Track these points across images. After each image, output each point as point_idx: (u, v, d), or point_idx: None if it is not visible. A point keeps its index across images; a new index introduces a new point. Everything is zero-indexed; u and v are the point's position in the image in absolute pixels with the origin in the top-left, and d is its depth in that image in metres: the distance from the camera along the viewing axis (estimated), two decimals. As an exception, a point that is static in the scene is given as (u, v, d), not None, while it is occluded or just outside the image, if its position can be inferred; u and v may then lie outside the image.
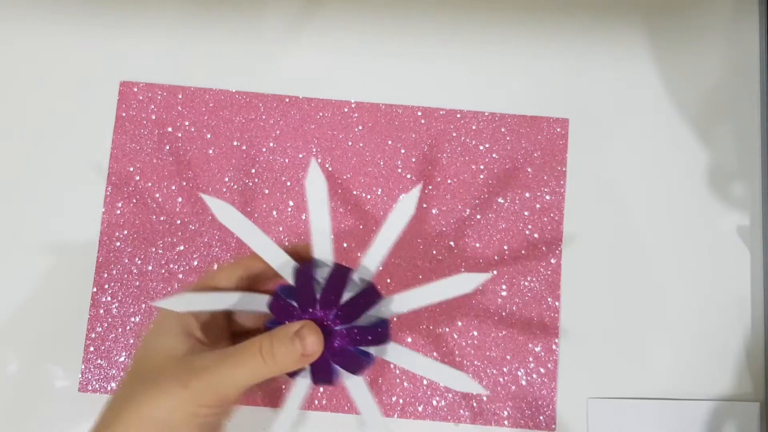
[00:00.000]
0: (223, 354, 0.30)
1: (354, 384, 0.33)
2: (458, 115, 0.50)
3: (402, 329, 0.47)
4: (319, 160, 0.49)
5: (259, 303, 0.34)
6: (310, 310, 0.31)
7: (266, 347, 0.30)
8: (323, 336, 0.30)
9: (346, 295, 0.32)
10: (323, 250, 0.33)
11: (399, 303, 0.32)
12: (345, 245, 0.48)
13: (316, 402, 0.47)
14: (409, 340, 0.47)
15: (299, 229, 0.48)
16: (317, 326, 0.30)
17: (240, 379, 0.30)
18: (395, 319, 0.33)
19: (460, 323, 0.47)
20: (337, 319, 0.31)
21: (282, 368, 0.30)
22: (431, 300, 0.32)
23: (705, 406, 0.47)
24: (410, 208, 0.32)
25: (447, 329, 0.47)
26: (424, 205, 0.48)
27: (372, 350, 0.32)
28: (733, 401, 0.47)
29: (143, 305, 0.47)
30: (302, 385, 0.33)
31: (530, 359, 0.47)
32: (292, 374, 0.32)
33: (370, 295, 0.32)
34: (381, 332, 0.32)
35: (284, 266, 0.33)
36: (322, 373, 0.32)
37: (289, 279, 0.33)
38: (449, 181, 0.49)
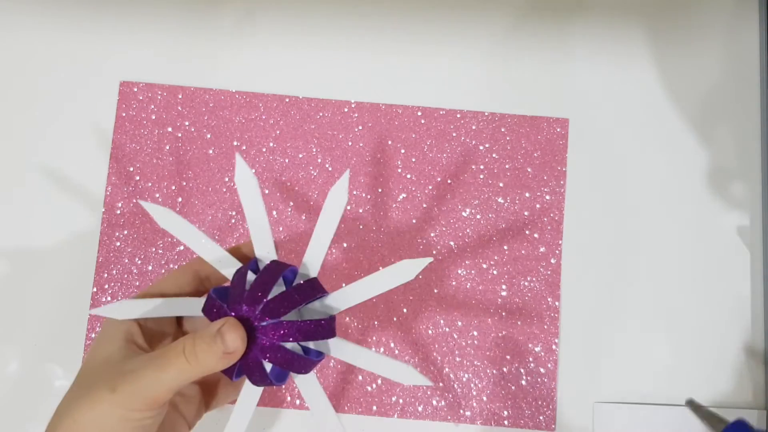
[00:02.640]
0: (150, 357, 0.30)
1: (303, 381, 0.32)
2: (458, 115, 0.50)
3: (402, 330, 0.47)
4: (320, 161, 0.49)
5: (197, 307, 0.33)
6: (238, 307, 0.30)
7: (189, 348, 0.29)
8: (249, 333, 0.29)
9: (278, 291, 0.31)
10: (264, 248, 0.32)
11: (340, 299, 0.31)
12: (345, 245, 0.48)
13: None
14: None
15: (299, 229, 0.48)
16: (239, 323, 0.29)
17: (166, 382, 0.29)
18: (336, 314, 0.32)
19: (460, 323, 0.47)
20: (264, 314, 0.30)
21: (206, 368, 0.29)
22: (374, 292, 0.31)
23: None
24: (342, 197, 0.31)
25: (447, 329, 0.47)
26: (424, 205, 0.48)
27: (312, 346, 0.31)
28: (739, 408, 0.47)
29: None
30: (249, 390, 0.32)
31: (530, 359, 0.47)
32: (229, 374, 0.31)
33: (304, 290, 0.31)
34: (315, 327, 0.30)
35: (227, 267, 0.33)
36: (255, 372, 0.30)
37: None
38: (449, 181, 0.49)
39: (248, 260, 0.33)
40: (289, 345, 0.31)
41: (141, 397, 0.29)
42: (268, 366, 0.31)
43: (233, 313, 0.30)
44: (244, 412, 0.32)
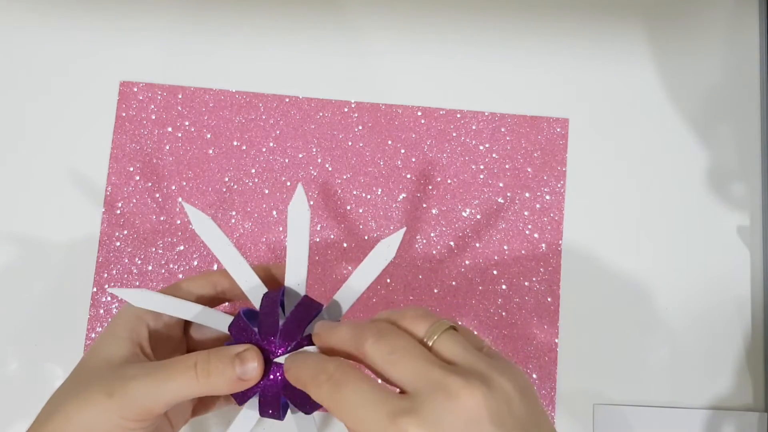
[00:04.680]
0: (157, 365, 0.29)
1: (302, 422, 0.31)
2: (458, 115, 0.50)
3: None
4: (320, 161, 0.49)
5: (220, 322, 0.33)
6: (271, 338, 0.29)
7: (202, 363, 0.28)
8: (275, 366, 0.29)
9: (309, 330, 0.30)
10: (296, 280, 0.32)
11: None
12: (345, 245, 0.48)
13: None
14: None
15: (299, 229, 0.48)
16: (261, 353, 0.29)
17: (167, 393, 0.28)
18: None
19: (460, 323, 0.47)
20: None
21: (214, 388, 0.28)
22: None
23: (707, 414, 0.46)
24: (391, 252, 0.31)
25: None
26: (424, 205, 0.48)
27: None
28: (738, 411, 0.47)
29: (143, 305, 0.47)
30: (248, 416, 0.31)
31: (530, 359, 0.47)
32: (240, 400, 0.31)
33: None
34: None
35: (254, 290, 0.32)
36: (270, 405, 0.30)
37: (257, 304, 0.32)
38: (449, 181, 0.49)
39: (274, 281, 0.32)
40: None
41: (137, 407, 0.28)
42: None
43: (264, 343, 0.30)
44: None
